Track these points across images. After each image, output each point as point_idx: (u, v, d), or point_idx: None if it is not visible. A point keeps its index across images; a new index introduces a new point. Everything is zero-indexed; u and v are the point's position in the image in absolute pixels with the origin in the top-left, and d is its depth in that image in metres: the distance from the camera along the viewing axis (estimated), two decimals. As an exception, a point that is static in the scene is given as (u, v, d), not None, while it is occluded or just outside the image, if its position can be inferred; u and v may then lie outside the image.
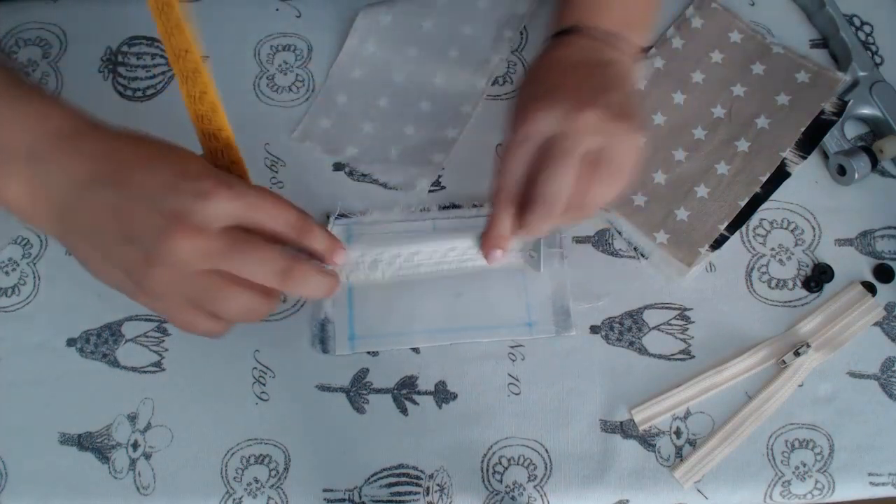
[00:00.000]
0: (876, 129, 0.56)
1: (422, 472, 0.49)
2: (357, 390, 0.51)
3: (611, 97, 0.44)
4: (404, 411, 0.51)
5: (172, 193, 0.38)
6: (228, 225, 0.38)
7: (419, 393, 0.51)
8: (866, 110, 0.55)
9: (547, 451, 0.50)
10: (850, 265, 0.53)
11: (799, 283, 0.53)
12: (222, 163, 0.45)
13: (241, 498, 0.49)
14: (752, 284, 0.53)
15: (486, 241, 0.47)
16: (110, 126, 0.42)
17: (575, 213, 0.45)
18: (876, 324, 0.52)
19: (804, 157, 0.54)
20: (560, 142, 0.43)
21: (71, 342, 0.53)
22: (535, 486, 0.49)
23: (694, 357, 0.51)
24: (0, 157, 0.40)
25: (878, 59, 0.58)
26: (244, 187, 0.40)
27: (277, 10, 0.61)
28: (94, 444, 0.50)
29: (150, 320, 0.53)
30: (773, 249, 0.54)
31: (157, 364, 0.52)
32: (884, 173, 0.56)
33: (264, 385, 0.51)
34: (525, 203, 0.45)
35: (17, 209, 0.41)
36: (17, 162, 0.40)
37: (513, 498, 0.49)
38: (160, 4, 0.39)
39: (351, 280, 0.48)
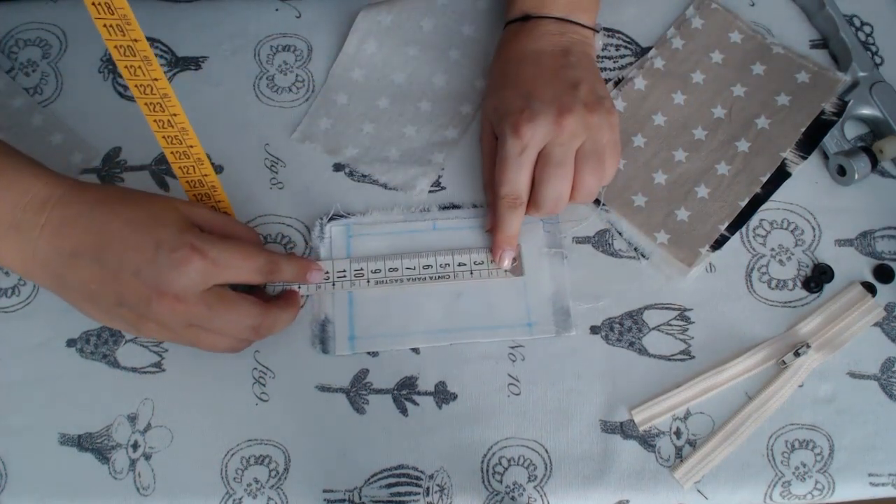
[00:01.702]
0: (876, 130, 0.56)
1: (422, 472, 0.49)
2: (357, 391, 0.51)
3: (581, 91, 0.50)
4: (404, 412, 0.51)
5: (152, 266, 0.43)
6: (204, 288, 0.44)
7: (419, 393, 0.51)
8: (866, 110, 0.55)
9: (547, 451, 0.50)
10: (850, 265, 0.53)
11: (799, 284, 0.53)
12: (207, 202, 0.50)
13: (241, 498, 0.49)
14: (752, 285, 0.53)
15: (497, 245, 0.52)
16: (90, 186, 0.46)
17: (578, 201, 0.52)
18: (876, 324, 0.52)
19: (804, 158, 0.54)
20: (553, 150, 0.49)
21: (71, 342, 0.53)
22: (535, 487, 0.49)
23: (694, 357, 0.51)
24: None
25: (878, 60, 0.58)
26: (215, 249, 0.44)
27: (277, 10, 0.61)
28: (93, 445, 0.50)
29: (150, 320, 0.53)
30: (773, 250, 0.54)
31: (157, 364, 0.52)
32: (884, 173, 0.56)
33: (264, 385, 0.51)
34: (528, 205, 0.51)
35: (13, 269, 0.46)
36: (6, 231, 0.44)
37: (513, 498, 0.49)
38: (113, 25, 0.39)
39: (352, 291, 0.52)
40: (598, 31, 0.55)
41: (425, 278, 0.52)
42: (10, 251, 0.44)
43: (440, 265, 0.52)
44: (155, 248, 0.43)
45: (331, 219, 0.54)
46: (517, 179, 0.49)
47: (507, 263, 0.52)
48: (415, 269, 0.52)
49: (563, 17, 0.52)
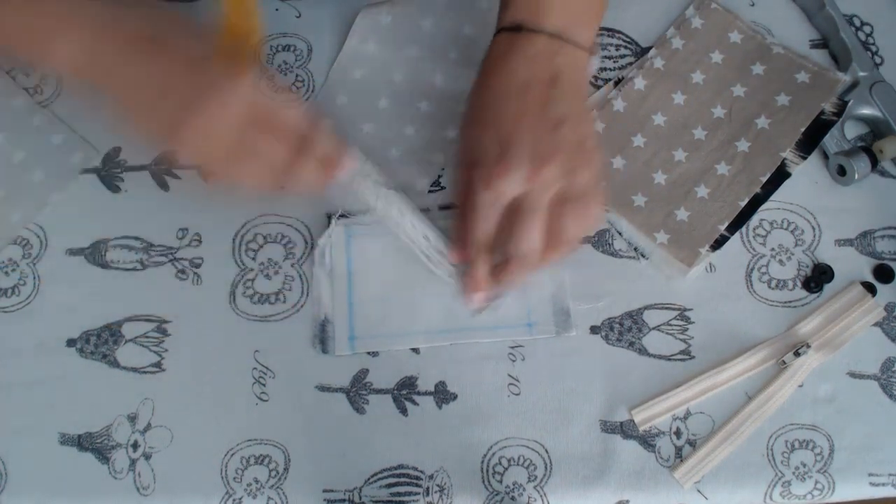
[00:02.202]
0: (876, 130, 0.56)
1: (422, 472, 0.49)
2: (357, 391, 0.51)
3: (563, 131, 0.46)
4: (404, 412, 0.51)
5: (205, 68, 0.43)
6: (252, 103, 0.44)
7: (419, 393, 0.51)
8: (866, 110, 0.55)
9: (547, 451, 0.50)
10: (850, 265, 0.53)
11: (799, 284, 0.53)
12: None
13: (240, 498, 0.49)
14: (752, 285, 0.53)
15: (467, 286, 0.50)
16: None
17: (555, 253, 0.47)
18: (876, 324, 0.52)
19: (804, 158, 0.54)
20: (527, 200, 0.46)
21: (71, 342, 0.53)
22: (535, 487, 0.49)
23: (694, 357, 0.51)
24: (48, 24, 0.44)
25: (878, 60, 0.58)
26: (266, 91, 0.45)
27: (277, 10, 0.61)
28: (94, 445, 0.50)
29: (149, 321, 0.53)
30: (773, 250, 0.54)
31: (157, 364, 0.52)
32: (884, 173, 0.56)
33: (264, 385, 0.51)
34: (503, 259, 0.48)
35: (64, 69, 0.45)
36: (63, 28, 0.44)
37: (513, 498, 0.49)
38: None
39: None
40: (593, 54, 0.50)
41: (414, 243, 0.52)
42: (64, 47, 0.44)
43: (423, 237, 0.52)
44: (210, 53, 0.44)
45: (340, 217, 0.54)
46: (489, 229, 0.47)
47: (475, 305, 0.51)
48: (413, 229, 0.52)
49: (559, 33, 0.47)
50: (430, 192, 0.55)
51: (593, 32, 0.50)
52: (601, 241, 0.54)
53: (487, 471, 0.49)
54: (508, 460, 0.50)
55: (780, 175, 0.54)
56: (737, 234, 0.54)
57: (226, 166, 0.46)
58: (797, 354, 0.50)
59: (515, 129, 0.46)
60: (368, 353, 0.52)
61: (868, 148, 0.54)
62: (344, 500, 0.49)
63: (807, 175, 0.55)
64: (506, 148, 0.45)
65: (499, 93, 0.47)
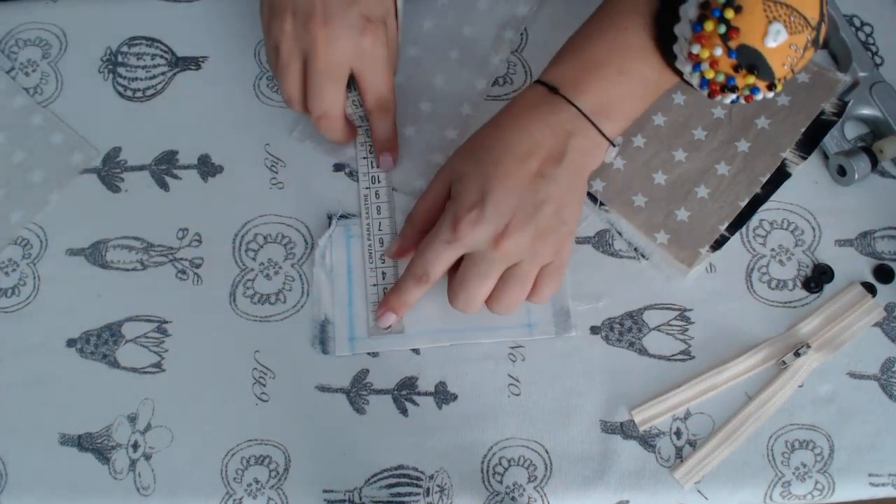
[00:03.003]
0: (876, 130, 0.56)
1: (422, 472, 0.49)
2: (357, 391, 0.51)
3: (543, 212, 0.46)
4: (404, 412, 0.51)
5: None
6: (358, 47, 0.50)
7: (419, 394, 0.51)
8: (866, 111, 0.55)
9: (547, 451, 0.50)
10: (850, 266, 0.53)
11: (799, 284, 0.53)
12: None
13: (241, 498, 0.49)
14: (752, 285, 0.53)
15: (386, 304, 0.51)
16: None
17: (494, 310, 0.48)
18: (876, 324, 0.52)
19: (804, 158, 0.54)
20: (482, 259, 0.46)
21: (71, 342, 0.53)
22: (535, 487, 0.49)
23: (694, 357, 0.51)
24: None
25: (878, 60, 0.58)
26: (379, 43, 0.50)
27: (277, 10, 0.61)
28: (94, 445, 0.51)
29: (150, 321, 0.53)
30: (773, 250, 0.54)
31: (157, 364, 0.52)
32: (884, 173, 0.56)
33: (264, 385, 0.51)
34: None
35: None
36: None
37: (513, 499, 0.49)
38: None
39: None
40: (615, 146, 0.49)
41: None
42: None
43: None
44: None
45: (340, 217, 0.54)
46: (435, 262, 0.47)
47: (384, 323, 0.50)
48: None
49: (589, 113, 0.46)
50: (430, 192, 0.55)
51: (623, 128, 0.48)
52: (601, 241, 0.54)
53: (487, 471, 0.49)
54: (508, 460, 0.50)
55: (780, 175, 0.54)
56: (737, 235, 0.54)
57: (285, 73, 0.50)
58: (797, 354, 0.50)
59: (503, 186, 0.45)
60: (368, 353, 0.52)
61: (868, 148, 0.54)
62: (344, 501, 0.49)
63: (807, 175, 0.55)
64: (485, 199, 0.45)
65: (506, 143, 0.47)
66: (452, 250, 0.46)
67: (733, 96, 0.44)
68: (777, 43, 0.41)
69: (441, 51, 0.59)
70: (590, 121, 0.46)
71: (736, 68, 0.42)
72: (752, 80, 0.42)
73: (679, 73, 0.46)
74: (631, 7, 0.46)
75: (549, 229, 0.46)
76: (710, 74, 0.43)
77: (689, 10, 0.42)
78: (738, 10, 0.40)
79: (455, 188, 0.48)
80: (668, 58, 0.45)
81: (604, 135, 0.47)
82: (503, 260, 0.46)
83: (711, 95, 0.44)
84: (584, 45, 0.47)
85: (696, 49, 0.42)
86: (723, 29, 0.41)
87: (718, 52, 0.42)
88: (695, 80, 0.44)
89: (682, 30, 0.43)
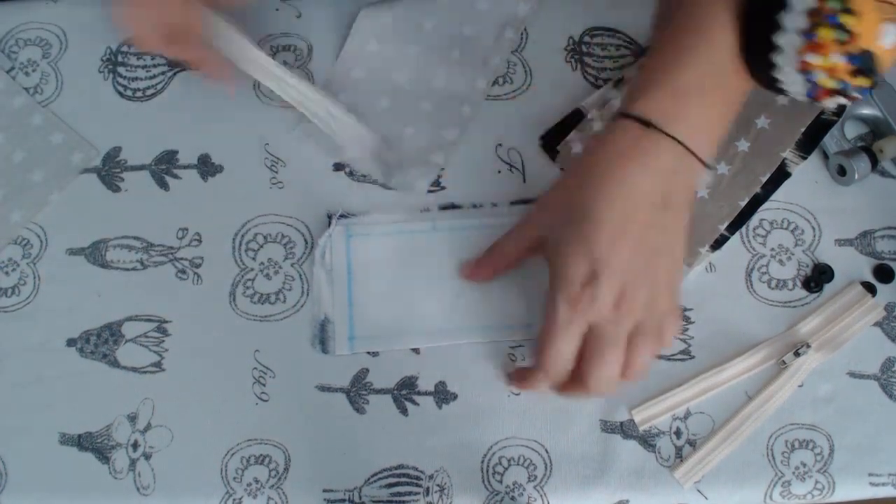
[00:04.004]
0: (876, 129, 0.56)
1: (422, 472, 0.49)
2: (357, 390, 0.51)
3: (659, 263, 0.44)
4: (404, 411, 0.51)
5: None
6: None
7: (419, 393, 0.51)
8: (866, 110, 0.55)
9: (547, 451, 0.50)
10: (850, 265, 0.53)
11: (799, 284, 0.53)
12: None
13: (241, 498, 0.49)
14: (752, 285, 0.53)
15: (518, 381, 0.49)
16: None
17: (629, 379, 0.45)
18: (876, 324, 0.52)
19: (804, 158, 0.54)
20: (607, 329, 0.43)
21: (71, 342, 0.53)
22: (535, 487, 0.49)
23: (694, 357, 0.51)
24: None
25: (878, 60, 0.58)
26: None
27: (277, 10, 0.61)
28: (94, 445, 0.51)
29: (150, 320, 0.53)
30: (773, 250, 0.54)
31: (157, 364, 0.52)
32: (884, 173, 0.56)
33: (264, 385, 0.51)
34: (576, 383, 0.45)
35: None
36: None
37: (513, 498, 0.49)
38: None
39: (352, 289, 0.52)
40: (708, 167, 0.45)
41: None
42: None
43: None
44: None
45: (340, 217, 0.54)
46: (565, 352, 0.44)
47: (516, 389, 0.50)
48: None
49: (684, 141, 0.43)
50: (429, 192, 0.55)
51: (714, 149, 0.45)
52: (601, 240, 0.54)
53: (487, 471, 0.49)
54: (508, 460, 0.50)
55: (780, 175, 0.54)
56: (737, 234, 0.54)
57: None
58: (797, 354, 0.50)
59: (613, 253, 0.43)
60: (368, 353, 0.52)
61: (868, 148, 0.54)
62: (344, 500, 0.49)
63: (807, 175, 0.55)
64: (599, 270, 0.43)
65: (606, 198, 0.43)
66: (577, 328, 0.44)
67: (842, 100, 0.42)
68: (891, 43, 0.39)
69: (441, 51, 0.59)
70: (691, 152, 0.43)
71: (853, 73, 0.40)
72: (866, 82, 0.40)
73: (770, 82, 0.43)
74: (714, 21, 0.42)
75: (665, 277, 0.44)
76: (826, 83, 0.41)
77: (796, 20, 0.39)
78: (854, 14, 0.38)
79: (556, 259, 0.45)
80: (755, 66, 0.43)
81: (703, 163, 0.44)
82: (629, 319, 0.43)
83: (816, 100, 0.42)
84: (672, 69, 0.43)
85: (810, 58, 0.40)
86: (843, 36, 0.38)
87: (837, 59, 0.39)
88: (798, 88, 0.42)
89: (788, 39, 0.40)
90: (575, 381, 0.45)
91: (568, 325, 0.43)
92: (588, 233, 0.43)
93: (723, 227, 0.53)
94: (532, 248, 0.49)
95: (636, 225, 0.43)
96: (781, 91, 0.43)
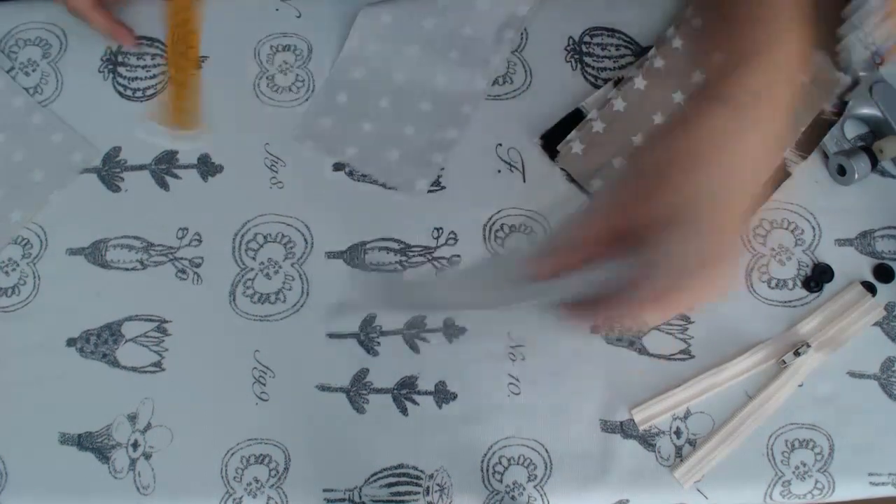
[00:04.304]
0: (876, 129, 0.56)
1: (422, 472, 0.49)
2: (357, 390, 0.51)
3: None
4: (404, 411, 0.51)
5: None
6: None
7: (419, 393, 0.51)
8: (866, 110, 0.55)
9: (547, 451, 0.50)
10: (850, 265, 0.53)
11: (799, 283, 0.53)
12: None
13: (241, 498, 0.49)
14: (752, 284, 0.53)
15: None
16: None
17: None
18: (876, 324, 0.52)
19: (804, 157, 0.54)
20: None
21: (71, 342, 0.53)
22: (535, 486, 0.49)
23: (694, 357, 0.51)
24: None
25: (877, 59, 0.58)
26: None
27: (277, 10, 0.61)
28: (94, 444, 0.50)
29: (150, 320, 0.53)
30: (773, 249, 0.54)
31: (157, 364, 0.52)
32: (884, 173, 0.56)
33: (264, 385, 0.51)
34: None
35: None
36: None
37: (513, 498, 0.49)
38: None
39: None
40: None
41: None
42: None
43: None
44: None
45: None
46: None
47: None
48: None
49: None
50: (429, 192, 0.55)
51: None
52: (601, 240, 0.54)
53: (487, 470, 0.49)
54: (508, 460, 0.50)
55: (780, 175, 0.54)
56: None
57: None
58: (797, 354, 0.50)
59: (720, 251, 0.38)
60: (368, 352, 0.52)
61: (868, 148, 0.54)
62: (344, 500, 0.49)
63: (807, 175, 0.55)
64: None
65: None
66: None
67: None
68: None
69: (441, 51, 0.59)
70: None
71: None
72: None
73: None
74: None
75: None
76: None
77: None
78: None
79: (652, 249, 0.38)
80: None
81: None
82: None
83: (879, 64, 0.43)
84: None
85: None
86: None
87: None
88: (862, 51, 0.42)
89: None
90: None
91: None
92: (690, 224, 0.38)
93: (723, 227, 0.53)
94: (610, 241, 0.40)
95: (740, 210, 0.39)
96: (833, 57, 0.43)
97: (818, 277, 0.53)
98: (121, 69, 0.59)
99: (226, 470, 0.50)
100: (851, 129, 0.56)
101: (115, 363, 0.52)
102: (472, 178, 0.56)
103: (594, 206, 0.41)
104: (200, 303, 0.53)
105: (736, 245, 0.40)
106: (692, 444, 0.50)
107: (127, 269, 0.54)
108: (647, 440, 0.50)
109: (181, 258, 0.54)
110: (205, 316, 0.53)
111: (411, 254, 0.54)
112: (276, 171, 0.56)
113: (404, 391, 0.51)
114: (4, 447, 0.51)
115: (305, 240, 0.54)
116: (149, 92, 0.59)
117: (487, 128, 0.57)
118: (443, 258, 0.54)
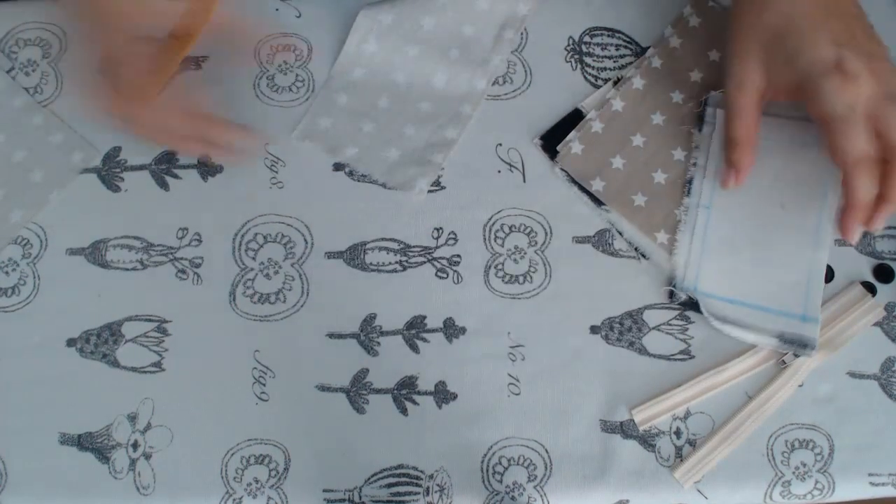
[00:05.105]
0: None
1: (422, 472, 0.49)
2: (357, 390, 0.51)
3: (875, 37, 0.48)
4: (404, 411, 0.51)
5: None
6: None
7: (419, 393, 0.51)
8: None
9: (547, 451, 0.50)
10: (850, 265, 0.53)
11: (799, 284, 0.53)
12: None
13: (241, 498, 0.49)
14: (752, 284, 0.53)
15: (848, 216, 0.46)
16: None
17: None
18: (876, 324, 0.52)
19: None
20: (886, 109, 0.44)
21: (71, 342, 0.53)
22: (535, 487, 0.49)
23: (694, 357, 0.51)
24: None
25: (878, 59, 0.58)
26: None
27: (277, 10, 0.61)
28: (94, 444, 0.51)
29: (150, 320, 0.53)
30: (773, 249, 0.54)
31: (157, 364, 0.52)
32: (884, 173, 0.56)
33: (264, 385, 0.51)
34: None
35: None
36: None
37: (513, 498, 0.49)
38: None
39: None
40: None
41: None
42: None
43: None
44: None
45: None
46: (860, 138, 0.44)
47: (855, 238, 0.47)
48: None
49: None
50: (430, 191, 0.55)
51: None
52: (601, 240, 0.54)
53: (487, 471, 0.49)
54: (508, 460, 0.50)
55: (780, 175, 0.54)
56: (737, 234, 0.54)
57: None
58: (797, 354, 0.50)
59: (846, 30, 0.46)
60: (368, 352, 0.52)
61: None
62: (344, 500, 0.49)
63: (807, 175, 0.55)
64: (841, 51, 0.45)
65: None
66: (859, 114, 0.44)
67: None
68: None
69: (441, 51, 0.59)
70: None
71: None
72: None
73: None
74: None
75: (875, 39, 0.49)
76: None
77: None
78: None
79: (799, 72, 0.46)
80: None
81: None
82: (886, 86, 0.45)
83: None
84: None
85: None
86: None
87: None
88: None
89: None
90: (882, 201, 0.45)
91: (851, 111, 0.44)
92: (800, 24, 0.47)
93: (723, 227, 0.53)
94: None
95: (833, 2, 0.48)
96: None
97: (818, 277, 0.53)
98: (121, 69, 0.59)
99: (226, 470, 0.50)
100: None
101: (115, 363, 0.52)
102: (472, 178, 0.56)
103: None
104: (200, 303, 0.53)
105: None
106: (692, 444, 0.50)
107: (127, 270, 0.54)
108: (647, 440, 0.50)
109: (181, 258, 0.54)
110: (205, 316, 0.53)
111: (411, 254, 0.54)
112: (276, 172, 0.56)
113: (404, 391, 0.51)
114: (4, 447, 0.51)
115: (305, 240, 0.54)
116: (149, 92, 0.58)
117: (487, 128, 0.57)
118: (443, 258, 0.54)
